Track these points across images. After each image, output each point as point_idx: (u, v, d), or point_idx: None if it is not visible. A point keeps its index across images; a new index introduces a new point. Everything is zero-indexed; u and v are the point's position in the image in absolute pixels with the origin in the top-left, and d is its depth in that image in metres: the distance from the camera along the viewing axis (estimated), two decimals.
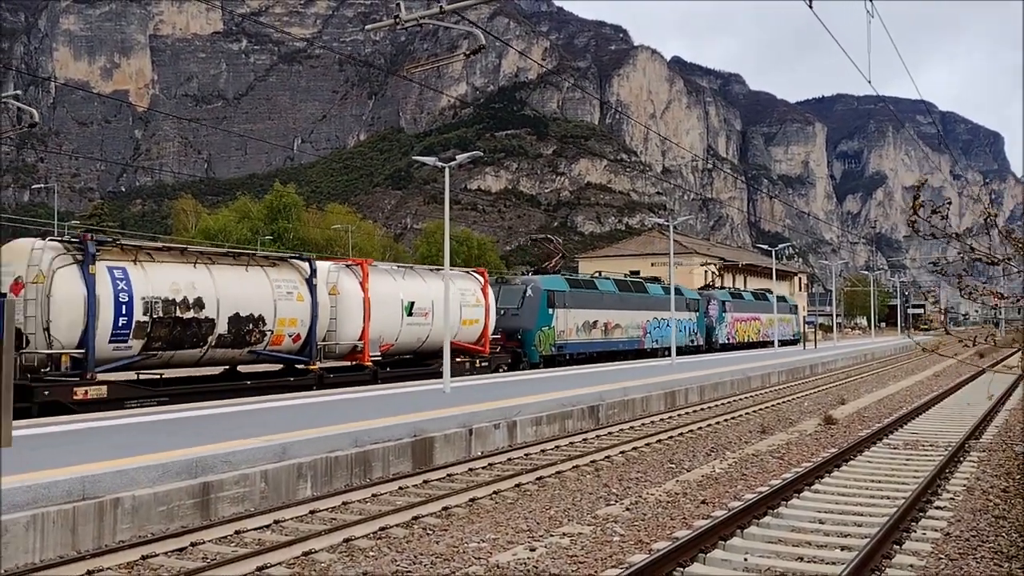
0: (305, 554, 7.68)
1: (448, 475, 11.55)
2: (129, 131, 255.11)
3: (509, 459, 12.89)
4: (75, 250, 15.97)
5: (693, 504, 9.72)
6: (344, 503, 9.79)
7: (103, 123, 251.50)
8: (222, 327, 17.89)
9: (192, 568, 7.20)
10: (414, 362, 24.78)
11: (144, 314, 16.53)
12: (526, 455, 13.28)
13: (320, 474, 10.53)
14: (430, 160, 19.60)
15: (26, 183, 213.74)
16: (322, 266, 21.36)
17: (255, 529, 8.60)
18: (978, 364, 33.22)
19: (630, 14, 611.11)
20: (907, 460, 12.55)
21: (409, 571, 7.21)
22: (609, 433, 15.79)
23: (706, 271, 56.61)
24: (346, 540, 8.13)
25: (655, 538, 8.15)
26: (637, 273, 52.42)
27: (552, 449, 13.91)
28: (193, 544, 7.96)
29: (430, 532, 8.60)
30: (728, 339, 47.05)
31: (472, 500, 9.94)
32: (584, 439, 15.01)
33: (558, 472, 11.76)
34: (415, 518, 9.03)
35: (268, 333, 18.87)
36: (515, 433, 14.55)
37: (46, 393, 14.92)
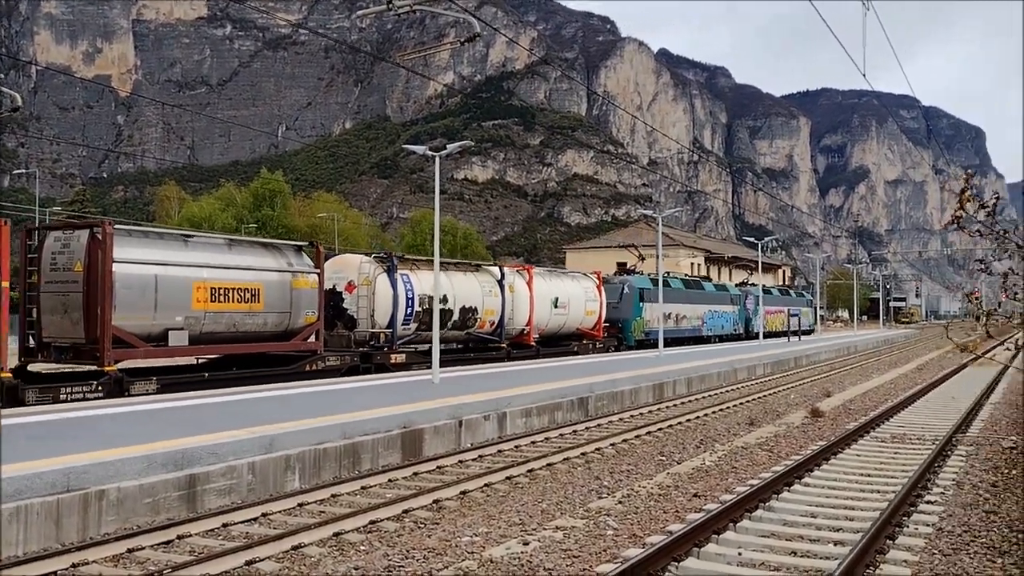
0: (295, 548, 7.58)
1: (438, 467, 11.46)
2: (111, 117, 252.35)
3: (499, 451, 12.82)
4: (385, 263, 23.08)
5: (685, 497, 9.68)
6: (333, 496, 9.69)
7: (85, 108, 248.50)
8: (456, 315, 24.97)
9: (179, 562, 7.08)
10: (550, 343, 30.96)
11: (419, 306, 23.39)
12: (516, 447, 13.21)
13: (308, 466, 10.41)
14: (420, 149, 19.45)
15: (6, 168, 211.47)
16: (504, 270, 28.34)
17: (243, 522, 8.48)
18: (961, 358, 33.38)
19: (617, 5, 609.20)
20: (895, 454, 12.57)
21: (401, 566, 7.12)
22: (598, 425, 15.75)
23: (748, 273, 65.44)
24: (336, 534, 8.03)
25: (649, 532, 8.10)
26: (624, 265, 53.69)
27: (542, 441, 13.85)
28: (180, 537, 7.84)
29: (421, 525, 8.51)
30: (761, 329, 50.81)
31: (463, 493, 9.86)
32: (574, 431, 14.96)
33: (549, 464, 11.70)
34: (406, 511, 8.94)
35: (478, 319, 26.17)
36: (505, 425, 14.48)
37: (377, 358, 21.99)
